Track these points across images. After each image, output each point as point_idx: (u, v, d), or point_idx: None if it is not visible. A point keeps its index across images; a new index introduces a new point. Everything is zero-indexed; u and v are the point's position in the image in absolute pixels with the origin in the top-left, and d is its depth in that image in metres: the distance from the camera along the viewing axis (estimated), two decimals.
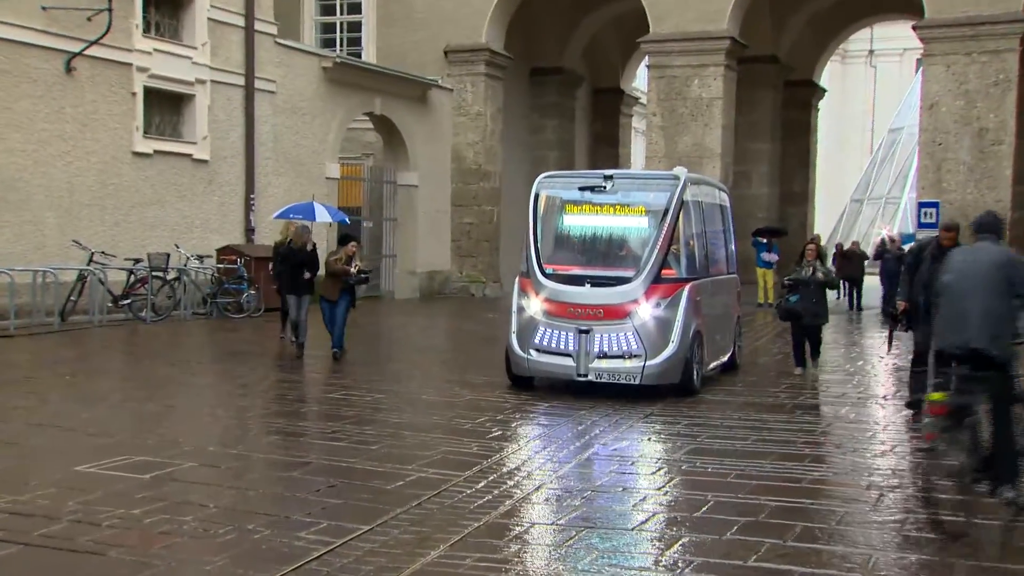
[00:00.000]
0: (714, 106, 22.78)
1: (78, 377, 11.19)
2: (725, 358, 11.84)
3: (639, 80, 33.91)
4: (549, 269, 10.27)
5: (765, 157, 28.09)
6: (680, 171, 10.81)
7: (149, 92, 18.21)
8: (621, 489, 6.57)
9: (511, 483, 6.67)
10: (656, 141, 23.27)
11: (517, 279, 10.49)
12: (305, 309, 12.80)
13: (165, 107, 18.84)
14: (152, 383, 10.95)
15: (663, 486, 6.71)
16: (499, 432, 8.38)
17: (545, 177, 10.95)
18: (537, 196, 10.57)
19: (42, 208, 16.36)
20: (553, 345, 10.03)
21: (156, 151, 18.27)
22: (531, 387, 10.45)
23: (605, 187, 10.32)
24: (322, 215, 14.73)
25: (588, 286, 9.97)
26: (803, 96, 30.72)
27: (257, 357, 12.53)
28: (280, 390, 11.01)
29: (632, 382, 9.85)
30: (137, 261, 17.17)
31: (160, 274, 17.20)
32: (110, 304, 16.70)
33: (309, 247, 13.04)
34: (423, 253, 24.78)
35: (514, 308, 10.38)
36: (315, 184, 21.58)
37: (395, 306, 22.45)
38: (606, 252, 10.40)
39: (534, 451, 7.67)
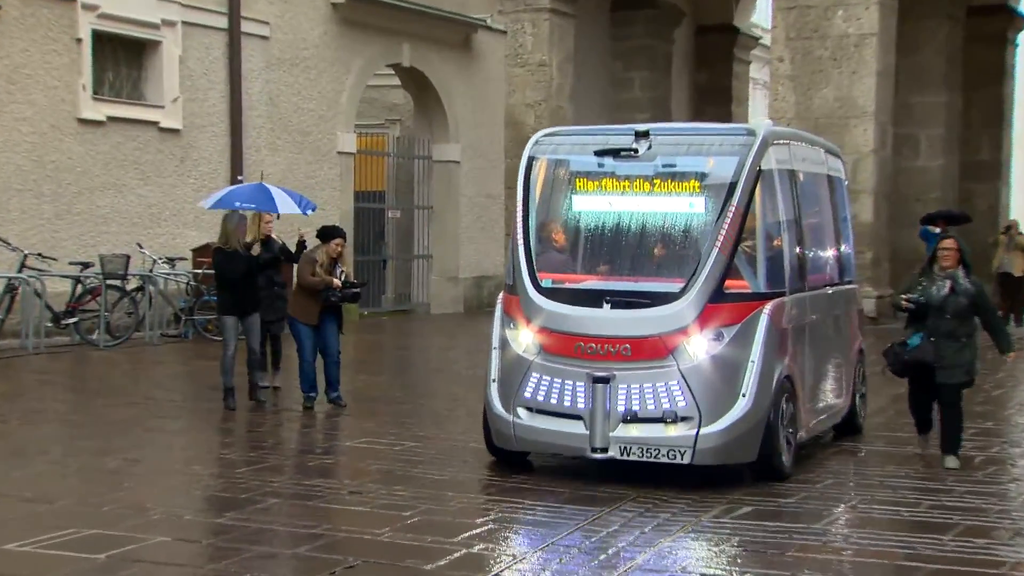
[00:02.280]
0: (865, 46, 22.49)
1: (8, 423, 11.23)
2: (838, 417, 10.70)
3: (759, 14, 33.70)
4: (547, 281, 9.13)
5: (939, 115, 27.38)
6: (761, 125, 10.19)
7: (100, 38, 18.25)
8: None
9: None
10: (783, 96, 23.04)
11: (500, 298, 9.44)
12: (258, 334, 12.31)
13: (122, 58, 18.89)
14: (108, 430, 10.93)
15: None
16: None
17: (544, 136, 9.79)
18: (531, 166, 9.52)
19: None
20: (553, 401, 8.84)
21: (110, 118, 18.29)
22: (526, 466, 9.30)
23: (637, 150, 9.18)
24: (286, 204, 12.83)
25: (608, 307, 8.81)
26: (995, 28, 29.76)
27: (247, 392, 12.49)
28: (278, 437, 10.97)
29: (679, 460, 8.61)
30: (86, 266, 17.20)
31: (117, 283, 17.31)
32: (50, 324, 16.74)
33: (281, 242, 12.64)
34: (467, 253, 24.79)
35: (494, 342, 9.32)
36: (324, 161, 21.70)
37: (431, 324, 22.52)
38: (636, 254, 9.27)
39: None
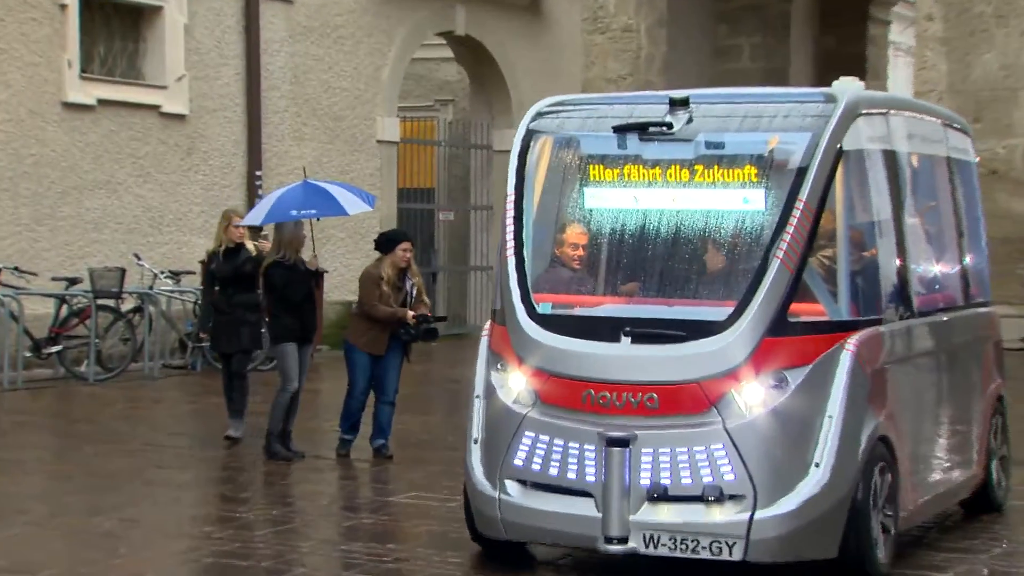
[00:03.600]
0: None
1: None
2: (964, 492, 9.90)
3: None
4: (546, 305, 8.55)
5: None
6: (846, 88, 8.92)
7: (89, 4, 18.28)
8: None
9: None
10: (933, 64, 22.74)
11: (486, 328, 8.88)
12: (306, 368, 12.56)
13: (116, 29, 18.93)
14: (100, 483, 10.93)
15: None
16: None
17: (548, 106, 9.16)
18: (527, 148, 8.88)
19: None
20: (552, 472, 8.17)
21: (101, 101, 18.33)
22: (523, 562, 8.71)
23: (671, 125, 8.49)
24: (352, 202, 12.89)
25: (628, 341, 8.16)
26: None
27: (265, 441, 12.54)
28: (305, 491, 10.99)
29: (726, 555, 7.89)
30: (72, 282, 17.22)
31: (110, 303, 17.30)
32: (29, 353, 16.73)
33: (255, 251, 12.81)
34: None
35: (476, 388, 8.68)
36: (360, 152, 21.84)
37: None
38: (668, 268, 8.61)
39: None
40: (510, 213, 8.70)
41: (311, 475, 11.61)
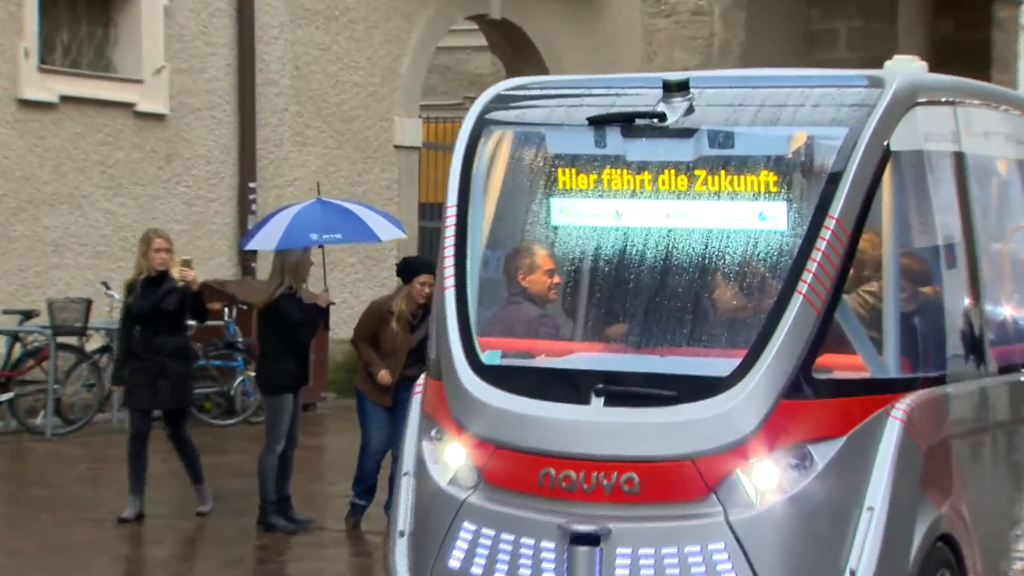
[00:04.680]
0: None
1: None
2: None
3: None
4: (493, 354, 8.03)
5: None
6: (897, 69, 8.54)
7: None
8: None
9: None
10: None
11: (419, 384, 8.46)
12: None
13: (81, 11, 19.01)
14: (60, 559, 10.93)
15: None
16: None
17: (507, 91, 8.70)
18: (475, 145, 8.34)
19: None
20: None
21: (64, 98, 18.42)
22: None
23: (665, 116, 7.92)
24: (383, 227, 13.25)
25: (600, 402, 7.60)
26: None
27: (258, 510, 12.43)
28: (307, 568, 11.00)
29: None
30: (27, 316, 17.30)
31: (73, 341, 17.32)
32: None
33: (183, 281, 12.67)
34: None
35: (406, 464, 8.20)
36: (375, 159, 21.86)
37: None
38: (654, 306, 8.00)
39: None
40: (450, 231, 8.10)
41: (315, 551, 11.56)
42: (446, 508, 7.68)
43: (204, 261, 18.79)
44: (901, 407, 7.54)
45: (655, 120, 7.87)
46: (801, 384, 7.36)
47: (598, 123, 7.99)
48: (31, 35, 18.13)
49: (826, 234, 7.42)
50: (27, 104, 18.11)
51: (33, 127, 18.20)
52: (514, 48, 24.37)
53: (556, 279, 8.29)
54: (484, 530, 7.56)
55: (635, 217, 8.01)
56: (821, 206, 7.50)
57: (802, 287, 7.33)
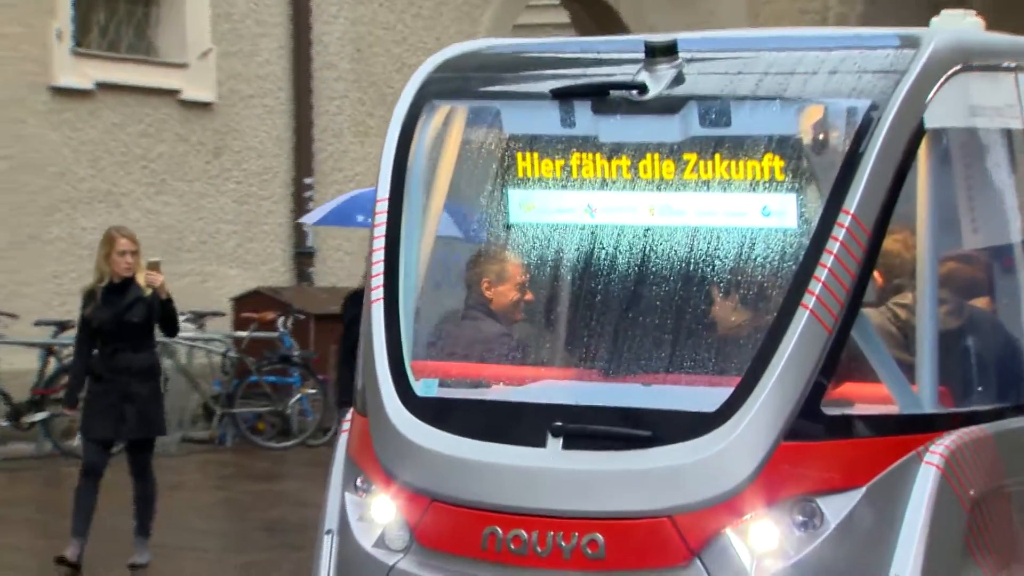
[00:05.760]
0: None
1: None
2: None
3: None
4: (429, 384, 7.60)
5: None
6: (940, 26, 7.83)
7: None
8: None
9: None
10: None
11: (345, 422, 7.98)
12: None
13: None
14: None
15: None
16: None
17: (454, 57, 8.10)
18: (410, 127, 7.78)
19: None
20: None
21: (102, 84, 18.53)
22: None
23: (646, 87, 7.29)
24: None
25: (556, 444, 7.05)
26: None
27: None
28: None
29: None
30: (62, 327, 17.21)
31: None
32: (6, 422, 17.05)
33: (150, 289, 12.12)
34: None
35: (327, 521, 7.72)
36: None
37: None
38: (630, 323, 7.49)
39: None
40: (380, 231, 7.56)
41: None
42: (372, 575, 7.28)
43: (256, 266, 19.26)
44: (937, 450, 6.95)
45: (634, 92, 7.27)
46: (807, 421, 6.81)
47: (564, 96, 7.43)
48: (64, 15, 18.24)
49: (839, 233, 6.81)
50: (60, 92, 18.22)
51: (67, 118, 18.25)
52: (600, 24, 24.25)
53: (528, 296, 7.92)
54: None
55: (610, 213, 7.55)
56: (833, 199, 6.90)
57: (808, 300, 6.73)
